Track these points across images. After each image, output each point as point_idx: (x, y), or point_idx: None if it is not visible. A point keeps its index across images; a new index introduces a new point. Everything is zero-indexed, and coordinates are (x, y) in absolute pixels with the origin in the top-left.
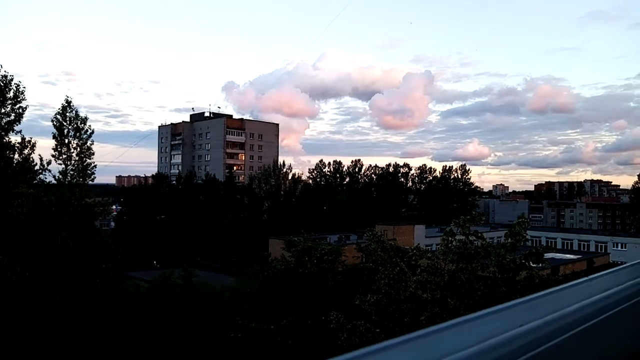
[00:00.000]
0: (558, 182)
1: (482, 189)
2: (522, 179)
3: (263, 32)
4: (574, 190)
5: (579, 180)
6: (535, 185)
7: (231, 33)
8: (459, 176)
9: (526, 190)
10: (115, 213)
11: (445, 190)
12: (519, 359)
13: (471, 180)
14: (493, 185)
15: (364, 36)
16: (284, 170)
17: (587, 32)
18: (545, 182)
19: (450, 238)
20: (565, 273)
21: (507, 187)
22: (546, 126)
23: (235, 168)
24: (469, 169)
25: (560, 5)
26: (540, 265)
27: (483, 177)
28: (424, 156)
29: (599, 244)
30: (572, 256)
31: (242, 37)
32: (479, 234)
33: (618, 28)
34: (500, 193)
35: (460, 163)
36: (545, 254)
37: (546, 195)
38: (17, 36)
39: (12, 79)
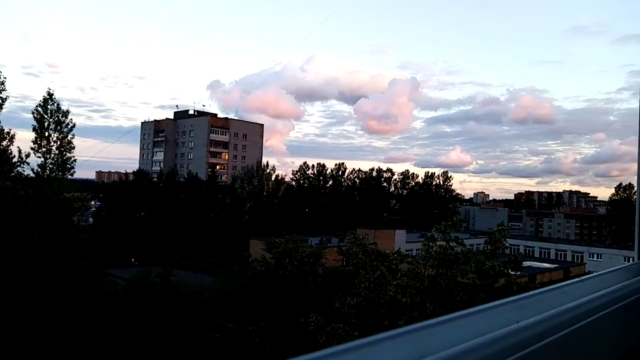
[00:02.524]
0: (537, 191)
1: (463, 196)
2: (503, 188)
3: (251, 32)
4: (553, 200)
5: (558, 190)
6: (515, 194)
7: (218, 31)
8: (441, 183)
9: (506, 199)
10: (94, 209)
11: (427, 196)
12: (514, 355)
13: (453, 187)
14: (474, 193)
15: (351, 41)
16: (268, 171)
17: (569, 46)
18: (525, 191)
19: (431, 243)
20: (542, 281)
21: (488, 195)
22: (527, 136)
23: (218, 167)
24: (451, 176)
25: (545, 19)
26: (519, 272)
27: (464, 185)
28: (407, 162)
29: (576, 254)
30: (549, 265)
31: (230, 36)
32: (460, 240)
33: (600, 43)
34: (480, 201)
35: (442, 170)
36: (523, 262)
37: (526, 204)
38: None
39: None
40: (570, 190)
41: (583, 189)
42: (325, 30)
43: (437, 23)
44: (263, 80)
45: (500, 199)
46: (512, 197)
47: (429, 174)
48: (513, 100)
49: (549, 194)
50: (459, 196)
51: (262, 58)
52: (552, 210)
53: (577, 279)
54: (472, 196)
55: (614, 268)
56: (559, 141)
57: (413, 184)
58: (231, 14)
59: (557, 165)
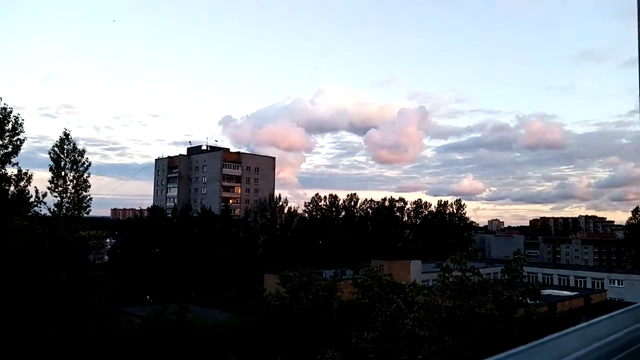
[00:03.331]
0: (553, 217)
1: (478, 224)
2: (517, 214)
3: (260, 68)
4: (569, 226)
5: (573, 215)
6: (530, 221)
7: (229, 68)
8: (455, 211)
9: (521, 226)
10: (109, 246)
11: (441, 225)
12: None
13: (466, 215)
14: (488, 221)
15: (360, 72)
16: (280, 203)
17: (578, 71)
18: (540, 217)
19: (446, 274)
20: (563, 310)
21: (502, 222)
22: (539, 162)
23: (231, 201)
24: (464, 204)
25: (551, 45)
26: (538, 302)
27: (478, 212)
28: (419, 191)
29: (596, 281)
30: (569, 293)
31: (240, 72)
32: (476, 270)
33: (608, 67)
34: (495, 228)
35: (455, 198)
36: (542, 291)
37: (541, 230)
38: (19, 69)
39: (10, 111)
40: (586, 215)
41: (599, 214)
42: (333, 63)
43: (444, 52)
44: (274, 114)
45: (516, 226)
46: (527, 223)
47: (442, 203)
48: (523, 126)
49: (565, 219)
50: (473, 224)
51: (272, 92)
52: (568, 236)
53: (583, 324)
54: (487, 224)
55: (619, 311)
56: (572, 166)
57: (426, 212)
58: (241, 51)
59: (571, 190)
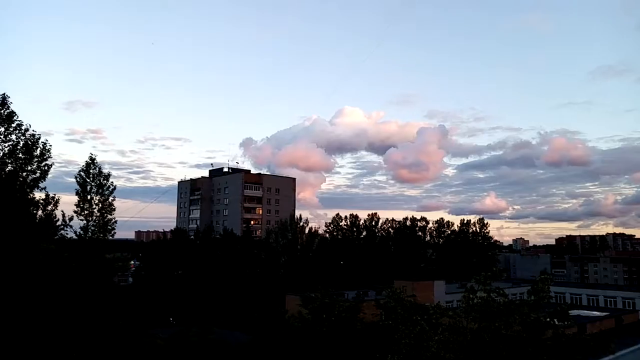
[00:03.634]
0: (579, 235)
1: (502, 243)
2: (542, 233)
3: (280, 90)
4: (597, 244)
5: (600, 233)
6: (556, 239)
7: (250, 91)
8: (478, 230)
9: (547, 244)
10: (133, 268)
11: (464, 245)
12: None
13: (490, 234)
14: (513, 239)
15: (378, 93)
16: (301, 224)
17: (597, 86)
18: (566, 235)
19: (471, 295)
20: (593, 332)
21: (527, 241)
22: (563, 179)
23: (252, 222)
24: (487, 223)
25: (571, 60)
26: (566, 323)
27: (502, 231)
28: (440, 210)
29: (627, 301)
30: (599, 313)
31: (260, 95)
32: (501, 291)
33: (626, 82)
34: (520, 247)
35: (478, 217)
36: (570, 312)
37: (568, 249)
38: (47, 96)
39: (39, 138)
40: (614, 233)
41: (628, 231)
42: (352, 84)
43: (463, 71)
44: (293, 136)
45: (541, 244)
46: (553, 242)
47: (465, 222)
48: (545, 143)
49: (592, 237)
50: (497, 243)
51: (292, 114)
52: (596, 254)
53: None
54: (511, 242)
55: None
56: (597, 182)
57: (449, 232)
58: (260, 74)
59: (597, 208)
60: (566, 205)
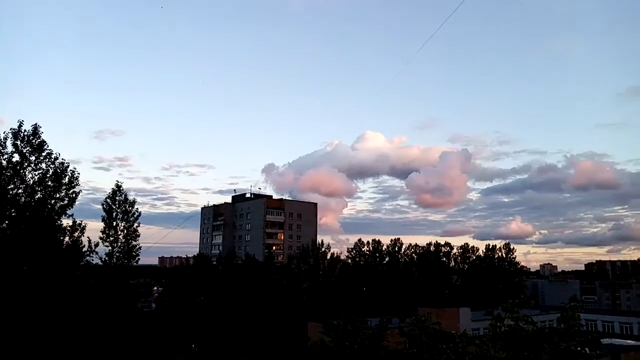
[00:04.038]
0: (610, 260)
1: (529, 268)
2: (571, 258)
3: (302, 116)
4: (628, 269)
5: (632, 258)
6: (585, 265)
7: (271, 118)
8: (504, 255)
9: (576, 270)
10: (156, 294)
11: (490, 271)
12: None
13: (516, 260)
14: (540, 265)
15: (400, 117)
16: (323, 249)
17: (627, 108)
18: (596, 261)
19: (498, 323)
20: None
21: (556, 266)
22: (591, 203)
23: (274, 248)
24: (513, 248)
25: (596, 83)
26: (598, 352)
27: (529, 257)
28: (465, 235)
29: None
30: (633, 342)
31: (282, 122)
32: (529, 319)
33: None
34: (548, 273)
35: (503, 242)
36: (602, 340)
37: (598, 275)
38: (78, 126)
39: (68, 166)
40: None
41: None
42: (374, 109)
43: (486, 94)
44: (315, 161)
45: (570, 270)
46: (582, 267)
47: (490, 247)
48: (571, 166)
49: (623, 262)
50: (524, 269)
51: (314, 140)
52: (628, 280)
53: None
54: (539, 268)
55: None
56: (626, 206)
57: (474, 257)
58: (281, 100)
59: (628, 232)
60: (595, 230)
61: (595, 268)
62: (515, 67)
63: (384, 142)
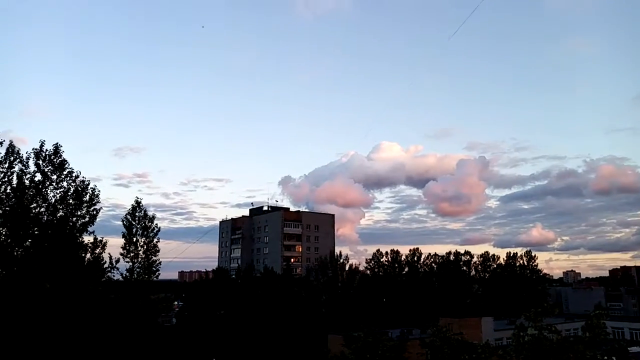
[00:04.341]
0: (635, 266)
1: (552, 276)
2: (595, 264)
3: (318, 128)
4: None
5: None
6: (609, 271)
7: (287, 130)
8: (525, 263)
9: (600, 276)
10: (177, 309)
11: (512, 279)
12: None
13: (538, 267)
14: (563, 272)
15: (416, 127)
16: (341, 261)
17: None
18: (621, 266)
19: (521, 333)
20: None
21: (579, 273)
22: (614, 207)
23: (292, 260)
24: (535, 255)
25: (614, 86)
26: None
27: (551, 264)
28: (485, 243)
29: None
30: None
31: (298, 133)
32: (553, 328)
33: None
34: (571, 280)
35: (524, 249)
36: (630, 349)
37: (623, 281)
38: (98, 144)
39: (88, 184)
40: None
41: None
42: (389, 120)
43: (502, 101)
44: (331, 172)
45: (594, 276)
46: (606, 274)
47: (511, 255)
48: (591, 171)
49: None
50: (547, 276)
51: (329, 151)
52: None
53: None
54: (562, 275)
55: None
56: None
57: (495, 266)
58: (296, 112)
59: None
60: (618, 235)
61: (620, 274)
62: (529, 72)
63: (400, 152)
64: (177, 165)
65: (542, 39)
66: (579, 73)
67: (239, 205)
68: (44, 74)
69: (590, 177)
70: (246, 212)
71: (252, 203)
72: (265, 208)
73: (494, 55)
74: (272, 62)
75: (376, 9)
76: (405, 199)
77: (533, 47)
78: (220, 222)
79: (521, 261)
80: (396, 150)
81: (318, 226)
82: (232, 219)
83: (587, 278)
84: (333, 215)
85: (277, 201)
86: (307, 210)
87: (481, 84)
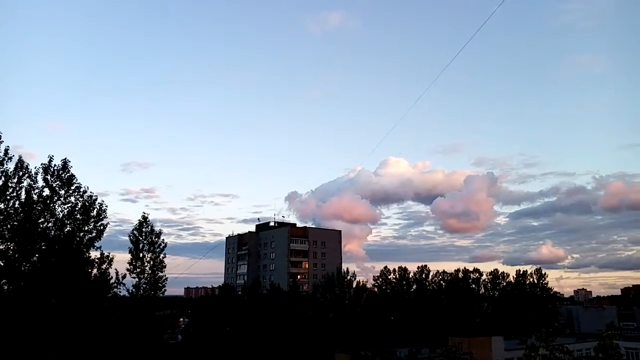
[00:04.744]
0: None
1: (562, 294)
2: (606, 283)
3: (324, 143)
4: None
5: None
6: (621, 289)
7: (294, 146)
8: (535, 281)
9: (612, 295)
10: (182, 325)
11: (522, 297)
12: None
13: (549, 286)
14: (574, 290)
15: (423, 143)
16: (348, 277)
17: None
18: (633, 285)
19: (533, 353)
20: None
21: (590, 291)
22: (624, 225)
23: (299, 277)
24: (545, 273)
25: (625, 102)
26: None
27: (562, 282)
28: (494, 260)
29: None
30: None
31: (305, 150)
32: (565, 348)
33: None
34: (583, 299)
35: (534, 267)
36: None
37: (636, 299)
38: (106, 159)
39: (96, 199)
40: None
41: None
42: (396, 135)
43: (510, 117)
44: (338, 188)
45: (605, 295)
46: (618, 292)
47: (521, 272)
48: (601, 187)
49: None
50: (558, 295)
51: (336, 167)
52: None
53: None
54: (573, 294)
55: None
56: None
57: (504, 284)
58: (304, 128)
59: None
60: (629, 253)
61: (633, 293)
62: (538, 88)
63: (407, 168)
64: (184, 180)
65: (551, 55)
66: (589, 89)
67: (245, 221)
68: (54, 90)
69: (599, 193)
70: (253, 228)
71: (258, 219)
72: (272, 224)
73: (502, 71)
74: (279, 78)
75: (383, 25)
76: (413, 215)
77: (542, 63)
78: (226, 237)
79: (531, 279)
80: (403, 166)
81: (325, 242)
82: (238, 234)
83: (598, 297)
84: (340, 232)
85: (283, 217)
86: (313, 226)
87: (489, 100)
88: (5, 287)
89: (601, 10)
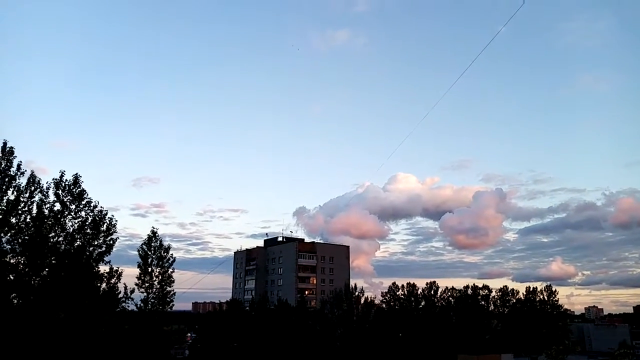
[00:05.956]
0: None
1: (573, 311)
2: (618, 300)
3: (333, 159)
4: None
5: None
6: (634, 307)
7: (302, 160)
8: (545, 298)
9: (624, 313)
10: (190, 341)
11: (531, 314)
12: None
13: (559, 303)
14: (585, 308)
15: (432, 158)
16: (356, 293)
17: None
18: None
19: None
20: None
21: (602, 309)
22: (635, 241)
23: (306, 292)
24: (555, 290)
25: (634, 118)
26: None
27: (572, 299)
28: (503, 277)
29: None
30: None
31: (313, 164)
32: None
33: None
34: (594, 316)
35: (544, 284)
36: None
37: None
38: (115, 174)
39: (106, 214)
40: None
41: None
42: (405, 151)
43: (520, 133)
44: (346, 203)
45: (617, 313)
46: (630, 310)
47: (531, 289)
48: (611, 204)
49: None
50: (568, 312)
51: (345, 182)
52: None
53: None
54: (584, 311)
55: None
56: None
57: (514, 300)
58: (312, 143)
59: None
60: None
61: None
62: (547, 104)
63: (416, 183)
64: (193, 195)
65: (560, 71)
66: (598, 105)
67: (254, 236)
68: (67, 106)
69: (609, 210)
70: (261, 243)
71: (266, 234)
72: (280, 239)
73: (510, 87)
74: (287, 94)
75: (390, 41)
76: (422, 231)
77: (551, 79)
78: (234, 252)
79: (541, 296)
80: (412, 182)
81: (333, 258)
82: (246, 249)
83: (610, 314)
84: (348, 247)
85: (291, 232)
86: (321, 241)
87: (498, 116)
88: (15, 301)
89: (606, 27)
